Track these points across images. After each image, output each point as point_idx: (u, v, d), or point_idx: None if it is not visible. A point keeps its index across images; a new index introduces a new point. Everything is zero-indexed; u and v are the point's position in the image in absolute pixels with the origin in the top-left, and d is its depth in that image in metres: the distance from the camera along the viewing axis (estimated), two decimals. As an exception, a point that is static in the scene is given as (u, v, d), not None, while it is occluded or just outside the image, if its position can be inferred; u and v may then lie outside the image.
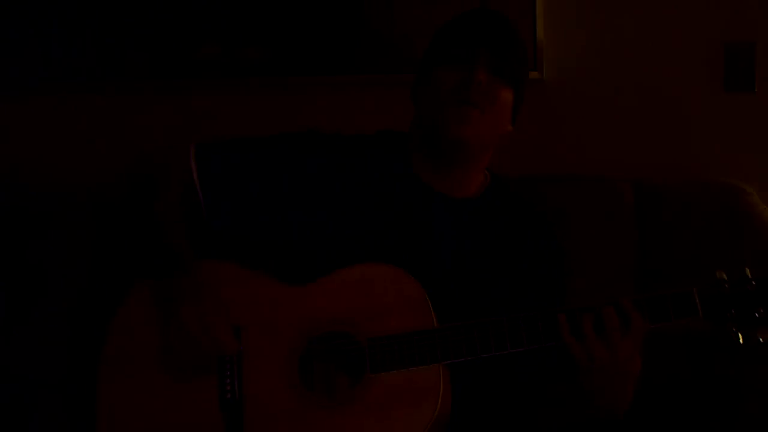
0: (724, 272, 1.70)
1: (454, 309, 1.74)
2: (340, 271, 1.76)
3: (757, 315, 1.68)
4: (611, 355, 1.65)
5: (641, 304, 1.68)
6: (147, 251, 1.82)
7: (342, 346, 1.73)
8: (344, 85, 2.78)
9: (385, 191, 1.86)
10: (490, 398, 1.84)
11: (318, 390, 1.73)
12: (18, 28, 2.83)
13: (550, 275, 1.89)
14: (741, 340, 1.68)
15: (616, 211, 2.52)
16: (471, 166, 1.89)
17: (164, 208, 1.84)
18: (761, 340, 1.68)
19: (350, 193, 1.85)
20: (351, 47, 2.76)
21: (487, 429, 1.85)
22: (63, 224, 2.55)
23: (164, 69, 2.81)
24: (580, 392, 1.71)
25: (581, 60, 2.73)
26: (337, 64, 2.77)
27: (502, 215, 1.91)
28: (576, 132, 2.74)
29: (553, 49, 2.71)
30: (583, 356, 1.66)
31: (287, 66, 2.78)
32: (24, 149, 2.87)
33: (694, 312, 1.68)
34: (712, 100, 2.70)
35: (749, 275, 1.69)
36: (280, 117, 2.80)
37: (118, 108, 2.86)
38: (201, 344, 1.70)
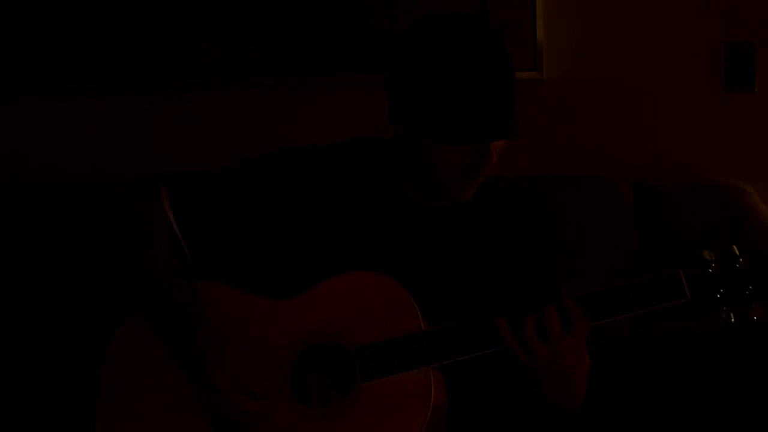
0: (712, 252, 1.66)
1: (444, 313, 1.74)
2: (324, 283, 1.75)
3: (747, 293, 1.64)
4: (552, 354, 1.65)
5: (582, 301, 1.67)
6: (153, 311, 1.81)
7: (331, 356, 1.73)
8: (344, 85, 2.78)
9: (367, 199, 1.84)
10: (486, 395, 1.84)
11: (313, 403, 1.73)
12: (18, 28, 2.83)
13: (538, 267, 1.88)
14: (733, 320, 1.65)
15: (616, 211, 2.51)
16: None
17: (155, 264, 1.80)
18: (754, 318, 1.64)
19: (330, 205, 1.83)
20: (351, 47, 2.76)
21: (485, 421, 1.85)
22: (63, 224, 2.55)
23: (164, 69, 2.81)
24: (531, 392, 1.71)
25: (581, 60, 2.73)
26: (337, 64, 2.77)
27: (486, 215, 1.88)
28: (576, 132, 2.74)
29: (553, 49, 2.71)
30: (524, 356, 1.66)
31: (287, 66, 2.78)
32: (24, 149, 2.87)
33: (681, 294, 1.65)
34: (712, 100, 2.70)
35: (737, 253, 1.65)
36: (280, 117, 2.80)
37: (118, 108, 2.86)
38: (240, 406, 1.71)
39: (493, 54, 1.69)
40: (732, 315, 1.65)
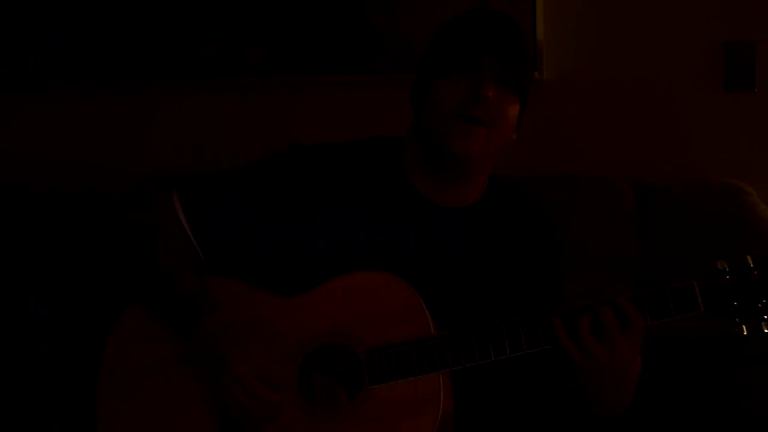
0: (726, 262, 1.65)
1: (453, 316, 1.71)
2: (334, 280, 1.72)
3: (760, 306, 1.62)
4: (610, 356, 1.61)
5: (640, 301, 1.63)
6: (161, 301, 1.78)
7: (339, 358, 1.69)
8: (344, 85, 2.78)
9: (379, 200, 1.81)
10: (492, 401, 1.82)
11: (318, 403, 1.70)
12: (18, 28, 2.83)
13: (548, 272, 1.85)
14: (745, 332, 1.63)
15: (616, 211, 2.52)
16: (472, 179, 1.82)
17: (165, 255, 1.77)
18: (766, 331, 1.63)
19: (343, 203, 1.80)
20: (351, 47, 2.77)
21: (491, 429, 1.83)
22: (63, 224, 2.55)
23: (164, 69, 2.81)
24: (582, 394, 1.67)
25: (581, 60, 2.73)
26: (337, 64, 2.77)
27: (499, 219, 1.85)
28: (576, 132, 2.74)
29: (553, 49, 2.71)
30: (580, 359, 1.62)
31: (288, 66, 2.78)
32: (24, 149, 2.87)
33: (695, 307, 1.62)
34: (712, 100, 2.70)
35: (751, 264, 1.64)
36: (281, 117, 2.80)
37: (118, 108, 2.86)
38: (259, 395, 1.67)
39: (495, 11, 1.82)
40: (745, 328, 1.64)
